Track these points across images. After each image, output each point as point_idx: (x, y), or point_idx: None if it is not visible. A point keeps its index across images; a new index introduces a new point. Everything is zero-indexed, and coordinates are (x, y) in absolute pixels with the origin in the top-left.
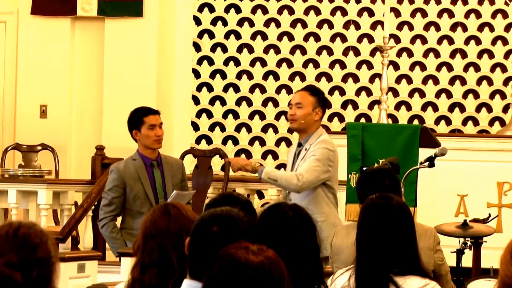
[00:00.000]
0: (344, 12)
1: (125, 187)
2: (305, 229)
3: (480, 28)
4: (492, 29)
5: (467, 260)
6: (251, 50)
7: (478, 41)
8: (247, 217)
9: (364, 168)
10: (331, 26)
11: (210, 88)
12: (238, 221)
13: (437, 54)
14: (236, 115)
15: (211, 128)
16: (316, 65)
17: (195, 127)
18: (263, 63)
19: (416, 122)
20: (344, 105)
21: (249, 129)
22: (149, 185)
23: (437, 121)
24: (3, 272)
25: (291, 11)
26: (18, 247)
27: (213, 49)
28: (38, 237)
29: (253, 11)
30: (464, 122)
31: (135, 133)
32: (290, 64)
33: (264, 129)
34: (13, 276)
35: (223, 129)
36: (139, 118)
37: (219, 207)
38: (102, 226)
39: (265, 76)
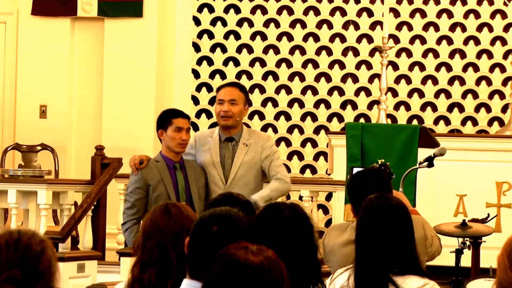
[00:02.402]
0: (344, 13)
1: (148, 188)
2: (301, 228)
3: (479, 28)
4: (491, 29)
5: (466, 260)
6: (250, 50)
7: (477, 41)
8: (246, 217)
9: (354, 169)
10: (330, 26)
11: (210, 88)
12: (238, 221)
13: (436, 54)
14: None
15: (211, 128)
16: (316, 65)
17: (195, 127)
18: (263, 63)
19: (415, 122)
20: (343, 105)
21: None
22: (172, 187)
23: (436, 121)
24: None
25: (291, 12)
26: (20, 259)
27: (212, 49)
28: (38, 245)
29: (253, 11)
30: (463, 122)
31: (161, 133)
32: (289, 64)
33: (264, 129)
34: None
35: None
36: (168, 119)
37: (219, 207)
38: (126, 230)
39: (265, 76)
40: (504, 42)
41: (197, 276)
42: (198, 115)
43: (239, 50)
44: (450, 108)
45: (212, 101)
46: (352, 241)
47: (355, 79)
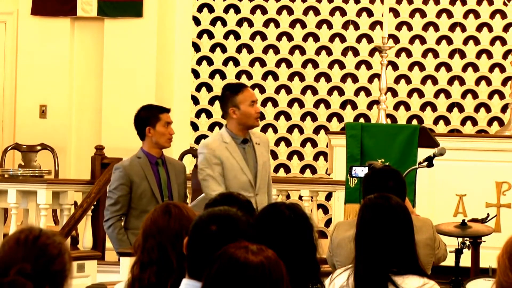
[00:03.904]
0: (343, 12)
1: (132, 185)
2: (301, 229)
3: (479, 28)
4: (490, 29)
5: (465, 260)
6: (250, 50)
7: (477, 41)
8: (245, 216)
9: (353, 168)
10: (330, 26)
11: (210, 88)
12: (236, 220)
13: (436, 54)
14: None
15: (211, 128)
16: (315, 65)
17: (195, 127)
18: (262, 63)
19: (415, 122)
20: (343, 105)
21: None
22: (155, 183)
23: (436, 121)
24: (16, 281)
25: (290, 12)
26: (35, 257)
27: (212, 49)
28: (56, 248)
29: (252, 11)
30: (463, 122)
31: (148, 130)
32: (289, 64)
33: (263, 129)
34: (26, 286)
35: None
36: (155, 115)
37: (218, 207)
38: (109, 226)
39: (264, 76)
40: (503, 42)
41: (196, 276)
42: (198, 115)
43: (239, 50)
44: (449, 108)
45: (211, 101)
46: None
47: (355, 79)
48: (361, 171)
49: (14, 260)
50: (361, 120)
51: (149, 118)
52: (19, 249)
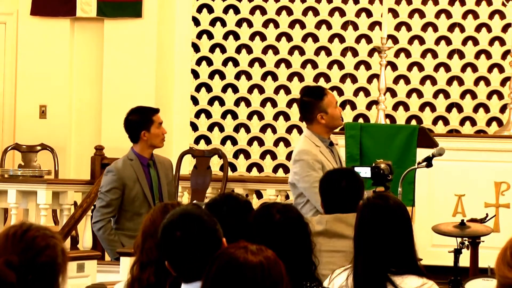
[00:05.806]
0: (342, 13)
1: (124, 188)
2: (293, 231)
3: (478, 28)
4: (489, 29)
5: (464, 260)
6: (249, 50)
7: (476, 42)
8: (204, 212)
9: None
10: (329, 26)
11: (209, 89)
12: (198, 218)
13: (434, 55)
14: (234, 116)
15: (210, 128)
16: (315, 65)
17: (194, 127)
18: (262, 63)
19: (414, 122)
20: (342, 106)
21: (247, 130)
22: (147, 185)
23: (434, 121)
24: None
25: (290, 12)
26: (22, 250)
27: (212, 49)
28: (44, 240)
29: (252, 12)
30: (462, 122)
31: (144, 134)
32: (288, 64)
33: (263, 129)
34: (8, 276)
35: (222, 129)
36: (149, 118)
37: (178, 208)
38: (99, 228)
39: (264, 77)
40: (502, 42)
41: (191, 279)
42: (197, 115)
43: (238, 50)
44: (448, 108)
45: (211, 101)
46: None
47: (354, 80)
48: (364, 172)
49: (3, 254)
50: (360, 120)
51: (142, 121)
52: (8, 243)
